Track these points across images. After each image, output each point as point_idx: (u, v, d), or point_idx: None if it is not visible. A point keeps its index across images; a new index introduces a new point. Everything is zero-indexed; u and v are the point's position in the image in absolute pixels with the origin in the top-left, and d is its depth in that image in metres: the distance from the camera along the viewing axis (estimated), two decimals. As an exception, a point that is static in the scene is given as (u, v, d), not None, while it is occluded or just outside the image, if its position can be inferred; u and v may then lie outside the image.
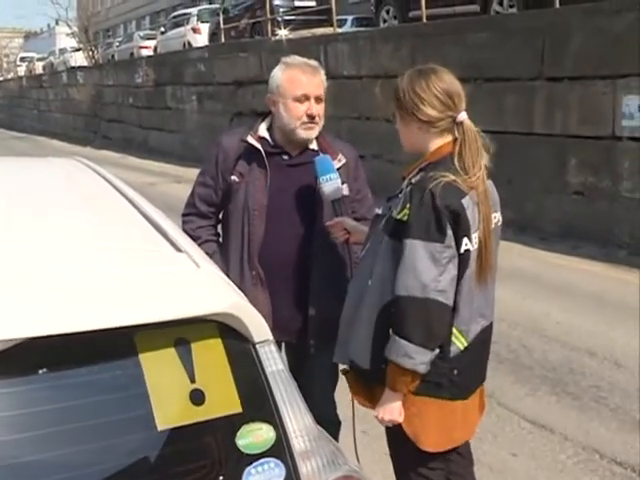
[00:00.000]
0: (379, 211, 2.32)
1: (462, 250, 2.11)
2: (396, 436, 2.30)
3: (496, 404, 4.08)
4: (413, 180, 2.19)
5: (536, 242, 7.99)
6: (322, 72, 2.76)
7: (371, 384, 2.29)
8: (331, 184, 2.62)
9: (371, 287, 2.22)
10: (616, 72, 7.47)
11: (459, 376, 2.20)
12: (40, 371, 1.37)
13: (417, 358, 2.08)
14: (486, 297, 2.28)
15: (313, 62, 2.76)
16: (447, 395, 2.21)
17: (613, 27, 7.46)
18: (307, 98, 2.66)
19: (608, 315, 5.62)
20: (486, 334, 2.34)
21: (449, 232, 2.07)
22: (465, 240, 2.11)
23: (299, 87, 2.66)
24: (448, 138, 2.21)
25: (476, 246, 2.14)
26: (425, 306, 2.06)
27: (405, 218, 2.12)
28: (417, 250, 2.06)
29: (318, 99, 2.69)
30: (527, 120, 8.50)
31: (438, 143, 2.21)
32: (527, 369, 4.70)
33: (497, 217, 2.29)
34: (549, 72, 8.27)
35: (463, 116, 2.19)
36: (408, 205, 2.12)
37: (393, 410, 2.20)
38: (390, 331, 2.12)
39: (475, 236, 2.14)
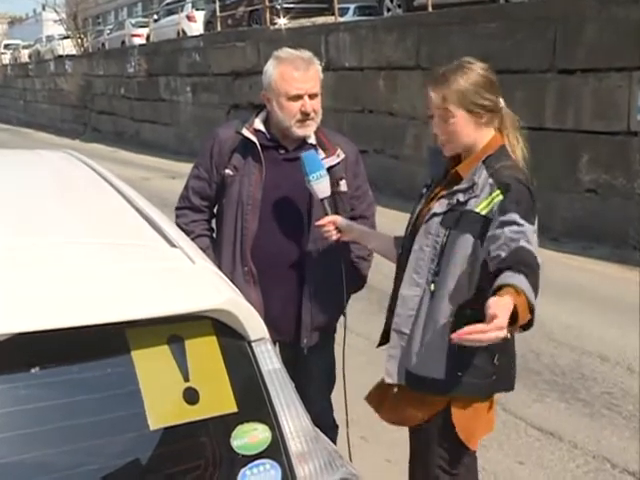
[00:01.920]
0: (438, 210, 2.26)
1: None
2: (437, 438, 2.33)
3: (502, 410, 4.09)
4: (481, 174, 2.21)
5: (546, 242, 7.96)
6: (317, 63, 2.77)
7: (440, 395, 2.29)
8: (319, 182, 2.62)
9: (438, 293, 2.23)
10: (632, 64, 7.48)
11: (513, 366, 2.36)
12: (28, 368, 1.39)
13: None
14: None
15: (306, 54, 2.77)
16: (509, 387, 2.36)
17: (629, 16, 7.46)
18: (300, 96, 2.69)
19: (621, 318, 5.64)
20: None
21: (536, 219, 2.14)
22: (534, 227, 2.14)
23: (292, 85, 2.68)
24: (494, 126, 2.30)
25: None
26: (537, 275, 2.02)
27: (490, 213, 2.14)
28: (532, 236, 2.07)
29: (312, 95, 2.71)
30: (537, 114, 8.51)
31: (487, 135, 2.29)
32: (535, 374, 4.73)
33: None
34: (561, 64, 8.29)
35: (502, 102, 2.31)
36: (496, 194, 2.15)
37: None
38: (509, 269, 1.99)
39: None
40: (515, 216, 2.06)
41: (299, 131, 2.73)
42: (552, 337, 5.36)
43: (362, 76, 11.53)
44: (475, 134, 2.28)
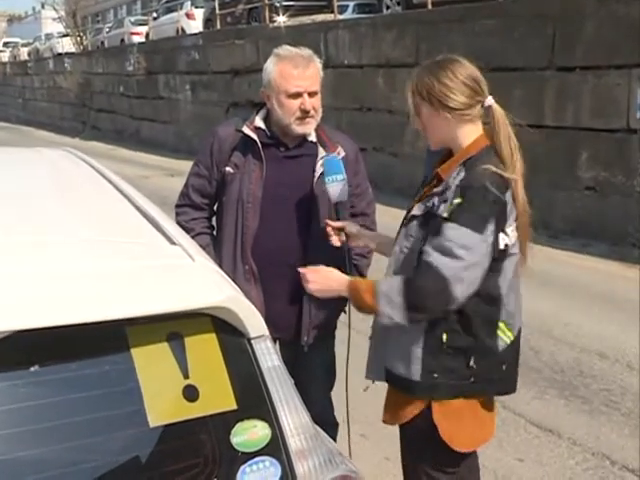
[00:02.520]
0: (416, 212, 2.27)
1: (502, 245, 2.14)
2: (422, 439, 2.32)
3: (501, 407, 4.09)
4: (460, 175, 2.19)
5: (545, 239, 7.99)
6: (317, 61, 2.77)
7: (416, 396, 2.29)
8: (336, 185, 2.61)
9: None
10: (631, 61, 7.48)
11: (507, 371, 2.29)
12: (28, 365, 1.39)
13: (393, 315, 2.13)
14: (520, 290, 2.35)
15: (306, 51, 2.77)
16: (495, 391, 2.31)
17: (629, 13, 7.46)
18: (300, 94, 2.69)
19: (620, 316, 5.65)
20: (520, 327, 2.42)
21: (490, 227, 2.10)
22: (502, 235, 2.14)
23: (291, 83, 2.68)
24: (479, 126, 2.25)
25: (514, 240, 2.19)
26: (443, 288, 2.07)
27: (449, 215, 2.12)
28: (454, 232, 2.08)
29: (312, 93, 2.71)
30: (536, 112, 8.51)
31: (471, 134, 2.24)
32: (535, 371, 4.73)
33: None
34: (560, 61, 8.29)
35: (490, 100, 2.24)
36: (457, 201, 2.12)
37: (324, 289, 2.33)
38: (400, 280, 2.13)
39: (511, 230, 2.18)
40: (454, 225, 2.08)
41: (299, 129, 2.73)
42: (551, 334, 5.36)
43: (361, 74, 11.53)
44: (451, 130, 2.25)
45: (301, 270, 2.37)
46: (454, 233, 2.08)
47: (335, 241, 2.62)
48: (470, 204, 2.10)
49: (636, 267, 6.99)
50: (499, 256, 2.16)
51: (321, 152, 2.77)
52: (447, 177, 2.21)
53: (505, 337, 2.25)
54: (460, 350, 2.21)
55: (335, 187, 2.61)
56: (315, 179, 2.75)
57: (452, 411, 2.25)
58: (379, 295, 2.15)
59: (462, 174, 2.18)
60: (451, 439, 2.26)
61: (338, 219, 2.63)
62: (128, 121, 21.40)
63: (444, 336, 2.19)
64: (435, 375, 2.21)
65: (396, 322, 2.15)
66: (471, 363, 2.21)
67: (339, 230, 2.63)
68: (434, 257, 2.08)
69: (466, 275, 2.09)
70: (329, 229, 2.64)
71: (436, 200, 2.19)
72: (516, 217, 2.20)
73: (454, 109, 2.21)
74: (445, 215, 2.12)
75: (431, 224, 2.17)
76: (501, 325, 2.24)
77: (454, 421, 2.26)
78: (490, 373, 2.25)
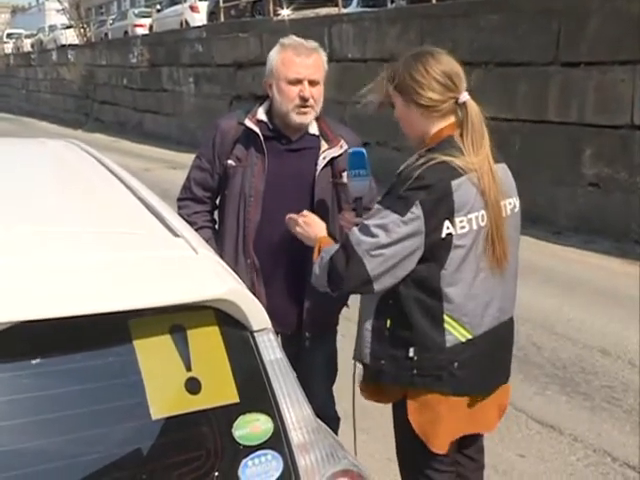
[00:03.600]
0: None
1: (443, 235, 2.11)
2: (404, 435, 2.33)
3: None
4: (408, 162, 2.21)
5: (548, 236, 7.99)
6: (321, 53, 2.76)
7: (371, 382, 2.33)
8: (359, 181, 2.57)
9: None
10: (636, 57, 7.45)
11: (461, 369, 2.21)
12: (31, 357, 1.39)
13: (318, 279, 2.26)
14: (504, 289, 2.29)
15: (311, 43, 2.76)
16: (448, 389, 2.22)
17: (633, 9, 7.43)
18: (300, 81, 2.68)
19: (622, 312, 5.64)
20: (504, 329, 2.36)
21: (416, 211, 2.07)
22: (447, 223, 2.10)
23: (292, 69, 2.68)
24: (450, 120, 2.22)
25: (462, 230, 2.13)
26: (354, 262, 2.13)
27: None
28: (377, 213, 2.13)
29: (313, 82, 2.70)
30: (540, 107, 8.50)
31: (440, 127, 2.23)
32: (537, 367, 4.73)
33: (513, 202, 2.29)
34: (564, 57, 8.26)
35: (465, 96, 2.21)
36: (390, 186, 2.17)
37: (304, 235, 2.46)
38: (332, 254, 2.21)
39: (461, 220, 2.12)
40: (378, 206, 2.17)
41: (297, 118, 2.71)
42: (553, 330, 5.36)
43: (365, 67, 11.51)
44: (420, 125, 2.25)
45: (294, 216, 2.50)
46: (375, 213, 2.15)
47: None
48: (396, 188, 2.14)
49: (638, 264, 6.97)
50: (439, 243, 2.11)
51: (323, 145, 2.77)
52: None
53: (457, 333, 2.19)
54: (400, 338, 2.21)
55: (358, 183, 2.57)
56: (317, 172, 2.74)
57: (426, 406, 2.23)
58: (320, 257, 2.26)
59: (407, 162, 2.20)
60: (427, 437, 2.25)
61: (356, 214, 2.61)
62: (131, 113, 21.39)
63: (388, 322, 2.22)
64: (382, 362, 2.24)
65: (324, 288, 2.26)
66: (411, 354, 2.19)
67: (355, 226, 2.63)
68: (353, 233, 2.17)
69: (379, 253, 2.10)
70: (344, 223, 2.64)
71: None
72: (485, 209, 2.16)
73: (423, 105, 2.20)
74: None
75: None
76: (447, 319, 2.18)
77: (429, 417, 2.24)
78: (436, 369, 2.20)
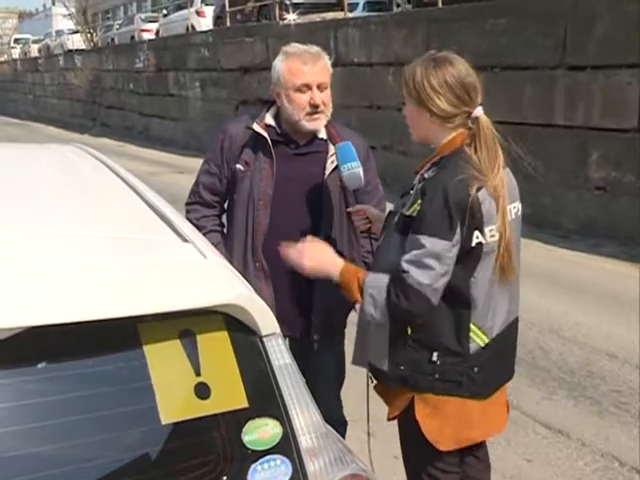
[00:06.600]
0: (392, 208, 2.34)
1: (473, 244, 2.13)
2: (410, 436, 2.33)
3: (510, 407, 4.09)
4: (426, 175, 2.21)
5: (554, 239, 7.98)
6: (326, 57, 2.77)
7: (390, 386, 2.32)
8: (353, 173, 2.61)
9: None
10: (642, 61, 7.45)
11: (480, 373, 2.23)
12: (40, 361, 1.39)
13: (377, 317, 2.18)
14: (510, 292, 2.31)
15: (314, 48, 2.77)
16: (467, 393, 2.23)
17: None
18: (309, 87, 2.68)
19: (629, 316, 5.62)
20: (512, 330, 2.37)
21: (458, 230, 2.09)
22: (476, 233, 2.12)
23: (299, 77, 2.68)
24: (461, 130, 2.22)
25: (492, 239, 2.16)
26: (422, 302, 2.11)
27: (414, 214, 2.14)
28: (424, 246, 2.09)
29: (321, 87, 2.70)
30: (547, 111, 8.49)
31: (448, 133, 2.22)
32: (544, 371, 4.72)
33: (517, 207, 2.30)
34: (571, 60, 8.26)
35: (479, 111, 2.20)
36: (419, 201, 2.14)
37: (316, 268, 2.35)
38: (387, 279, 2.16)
39: (490, 229, 2.15)
40: (419, 237, 2.10)
41: (309, 125, 2.72)
42: (561, 334, 5.35)
43: (371, 72, 11.52)
44: (430, 132, 2.25)
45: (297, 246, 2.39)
46: (421, 243, 2.09)
47: (363, 225, 2.67)
48: (433, 208, 2.10)
49: (646, 267, 6.96)
50: (470, 252, 2.13)
51: (331, 149, 2.77)
52: (419, 176, 2.24)
53: (478, 339, 2.21)
54: (423, 344, 2.20)
55: (352, 175, 2.61)
56: (326, 176, 2.75)
57: (433, 408, 2.24)
58: (366, 295, 2.19)
59: (431, 174, 2.19)
60: (435, 438, 2.25)
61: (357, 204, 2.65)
62: (137, 118, 21.44)
63: (408, 329, 2.20)
64: (402, 367, 2.23)
65: (377, 321, 2.21)
66: (434, 358, 2.20)
67: (362, 214, 2.65)
68: (411, 274, 2.10)
69: (441, 283, 2.11)
70: (354, 216, 2.66)
71: (405, 198, 2.24)
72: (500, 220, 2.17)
73: (436, 114, 2.20)
74: (406, 213, 2.17)
75: (399, 220, 2.22)
76: (472, 327, 2.20)
77: (437, 419, 2.24)
78: (458, 374, 2.21)
